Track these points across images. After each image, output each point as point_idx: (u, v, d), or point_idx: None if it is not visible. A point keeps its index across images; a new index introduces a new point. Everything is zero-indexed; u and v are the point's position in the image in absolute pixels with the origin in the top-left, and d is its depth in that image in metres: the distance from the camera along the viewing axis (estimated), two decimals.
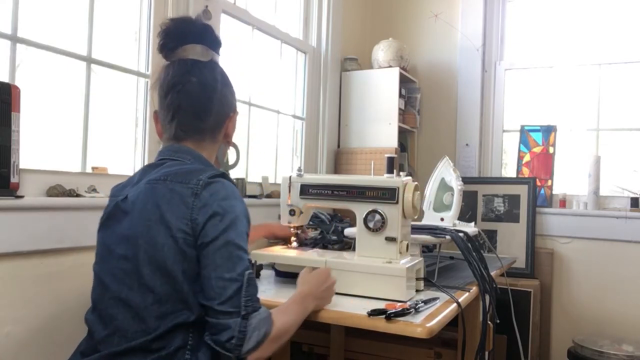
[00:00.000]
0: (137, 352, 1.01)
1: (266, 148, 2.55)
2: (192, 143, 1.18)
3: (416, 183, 1.44)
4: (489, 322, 1.64)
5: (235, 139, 1.32)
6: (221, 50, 1.25)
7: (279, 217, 1.60)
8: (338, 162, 2.91)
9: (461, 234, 1.64)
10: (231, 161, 1.38)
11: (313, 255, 1.50)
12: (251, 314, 1.02)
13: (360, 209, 1.42)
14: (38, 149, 1.53)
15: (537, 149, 2.96)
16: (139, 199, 1.08)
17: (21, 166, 1.35)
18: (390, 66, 2.88)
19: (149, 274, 1.02)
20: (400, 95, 2.89)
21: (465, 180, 2.32)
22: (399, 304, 1.25)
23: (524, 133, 2.99)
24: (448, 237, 1.62)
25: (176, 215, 1.02)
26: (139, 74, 1.83)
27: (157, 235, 1.02)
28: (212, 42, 1.21)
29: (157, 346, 1.01)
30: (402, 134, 3.04)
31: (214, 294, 1.01)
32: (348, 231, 1.77)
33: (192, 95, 1.16)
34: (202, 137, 1.19)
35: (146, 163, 1.74)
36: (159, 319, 1.01)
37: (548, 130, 2.95)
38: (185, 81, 1.16)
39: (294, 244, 1.61)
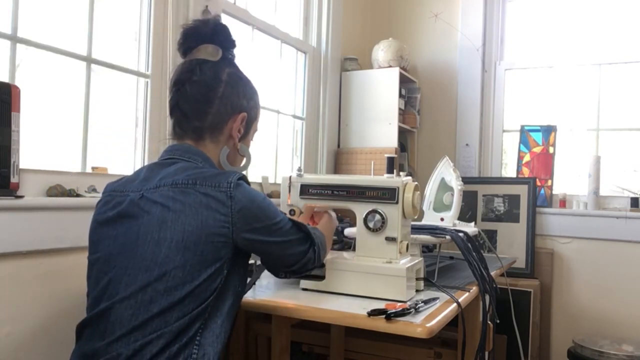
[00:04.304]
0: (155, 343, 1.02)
1: (266, 148, 2.55)
2: (191, 142, 1.20)
3: (416, 183, 1.43)
4: (489, 322, 1.64)
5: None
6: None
7: None
8: (338, 162, 2.91)
9: (461, 234, 1.64)
10: (239, 164, 1.29)
11: None
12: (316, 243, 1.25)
13: (360, 209, 1.42)
14: (38, 149, 1.53)
15: (537, 149, 2.96)
16: (169, 202, 1.07)
17: (21, 166, 1.35)
18: (390, 66, 2.88)
19: (179, 278, 1.03)
20: (400, 95, 2.89)
21: (465, 180, 2.32)
22: (399, 304, 1.25)
23: (524, 133, 2.99)
24: (448, 237, 1.62)
25: (216, 220, 1.05)
26: (139, 74, 1.83)
27: (198, 241, 1.04)
28: (224, 41, 1.23)
29: (173, 338, 1.03)
30: (402, 134, 3.04)
31: (292, 261, 1.21)
32: (348, 231, 1.77)
33: (190, 93, 1.18)
34: (201, 136, 1.20)
35: (146, 163, 1.73)
36: (179, 318, 1.03)
37: (548, 130, 2.95)
38: (186, 80, 1.19)
39: None
